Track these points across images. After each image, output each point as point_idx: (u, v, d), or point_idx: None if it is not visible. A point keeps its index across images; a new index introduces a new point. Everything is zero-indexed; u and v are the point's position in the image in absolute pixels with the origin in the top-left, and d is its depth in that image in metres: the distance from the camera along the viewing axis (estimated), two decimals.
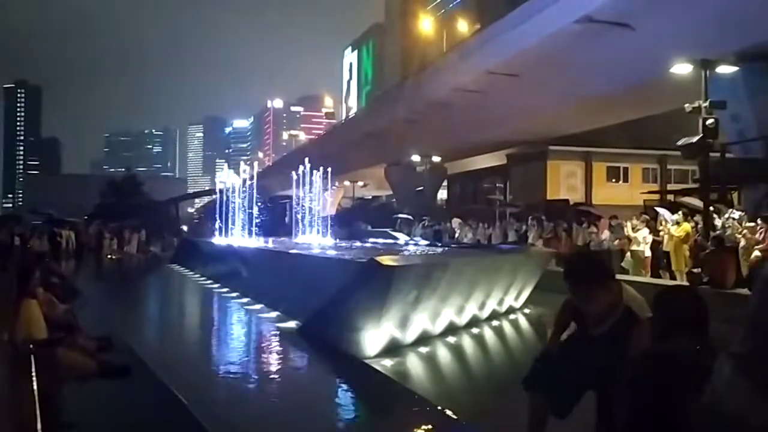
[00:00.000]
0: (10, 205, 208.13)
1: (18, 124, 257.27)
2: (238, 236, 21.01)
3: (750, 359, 0.99)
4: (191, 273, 19.20)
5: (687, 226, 14.53)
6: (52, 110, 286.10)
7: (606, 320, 3.30)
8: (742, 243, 12.59)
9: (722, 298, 9.92)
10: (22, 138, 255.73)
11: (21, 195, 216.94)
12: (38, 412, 4.67)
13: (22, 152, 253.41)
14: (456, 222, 25.19)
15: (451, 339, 9.85)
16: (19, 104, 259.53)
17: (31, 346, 6.85)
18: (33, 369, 6.17)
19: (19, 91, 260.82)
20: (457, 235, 23.80)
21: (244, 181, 23.65)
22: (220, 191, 24.51)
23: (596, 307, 3.31)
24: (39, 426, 4.44)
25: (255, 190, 22.70)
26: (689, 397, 1.79)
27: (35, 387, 5.39)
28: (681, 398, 1.92)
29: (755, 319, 1.07)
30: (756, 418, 0.95)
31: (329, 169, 24.02)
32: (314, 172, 22.86)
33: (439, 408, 5.56)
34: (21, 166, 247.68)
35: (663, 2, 16.94)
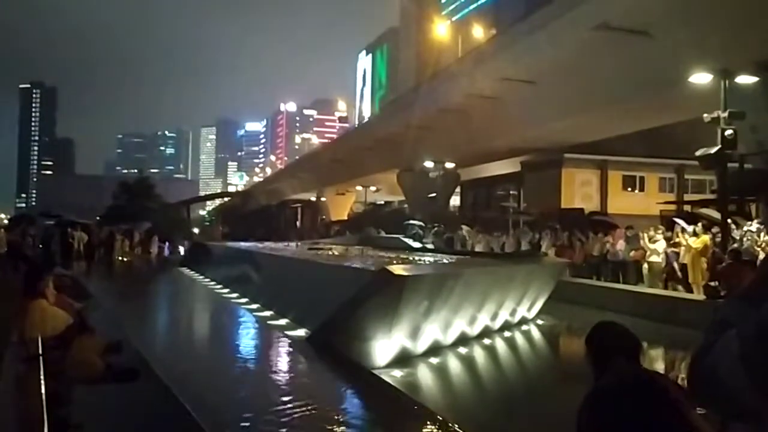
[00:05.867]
0: (24, 205, 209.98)
1: (33, 124, 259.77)
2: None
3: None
4: (201, 277, 19.16)
5: (705, 238, 14.28)
6: (67, 111, 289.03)
7: None
8: (761, 256, 12.33)
9: None
10: (36, 138, 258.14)
11: (34, 195, 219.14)
12: (46, 412, 4.63)
13: (36, 152, 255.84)
14: (465, 229, 24.99)
15: (463, 350, 9.75)
16: (34, 105, 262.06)
17: (41, 346, 6.82)
18: (41, 370, 6.12)
19: (34, 91, 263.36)
20: (468, 242, 23.59)
21: None
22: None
23: None
24: (46, 428, 4.39)
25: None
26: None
27: (43, 388, 5.35)
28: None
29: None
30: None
31: None
32: None
33: (448, 423, 5.43)
34: (35, 167, 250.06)
35: (682, 10, 16.72)
